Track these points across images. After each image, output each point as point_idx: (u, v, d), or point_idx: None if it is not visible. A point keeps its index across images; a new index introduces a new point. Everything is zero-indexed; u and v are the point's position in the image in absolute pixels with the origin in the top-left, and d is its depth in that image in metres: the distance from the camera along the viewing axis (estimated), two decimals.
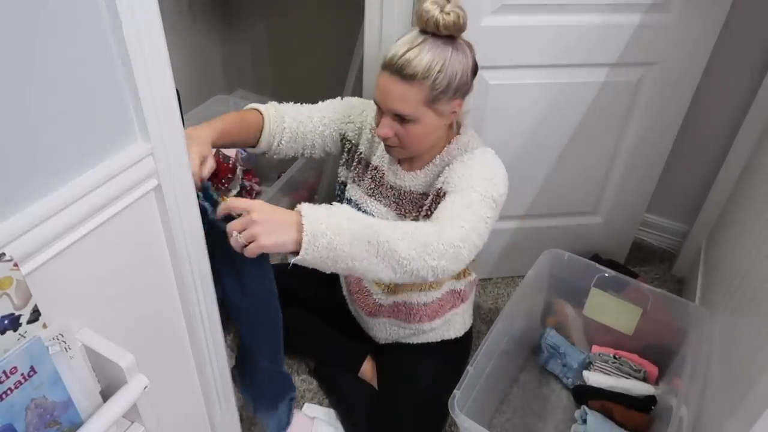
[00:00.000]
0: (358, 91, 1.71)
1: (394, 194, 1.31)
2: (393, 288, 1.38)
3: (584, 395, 1.52)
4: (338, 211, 0.94)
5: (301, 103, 1.39)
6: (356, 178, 1.37)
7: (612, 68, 1.53)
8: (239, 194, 1.98)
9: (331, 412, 1.52)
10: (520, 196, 1.77)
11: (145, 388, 0.75)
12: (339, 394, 1.54)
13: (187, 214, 0.89)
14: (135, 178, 0.77)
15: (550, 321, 1.71)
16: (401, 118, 1.13)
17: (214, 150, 1.20)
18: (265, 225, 0.90)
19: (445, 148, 1.23)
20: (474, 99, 1.52)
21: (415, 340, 1.45)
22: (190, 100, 2.11)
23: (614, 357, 1.58)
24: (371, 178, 1.34)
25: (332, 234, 0.90)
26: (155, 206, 0.84)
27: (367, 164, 1.35)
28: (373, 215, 1.32)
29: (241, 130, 1.27)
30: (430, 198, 1.23)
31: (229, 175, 1.93)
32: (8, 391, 0.61)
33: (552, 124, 1.61)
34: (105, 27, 0.68)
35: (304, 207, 0.93)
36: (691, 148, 1.85)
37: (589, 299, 1.59)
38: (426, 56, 1.07)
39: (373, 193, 1.34)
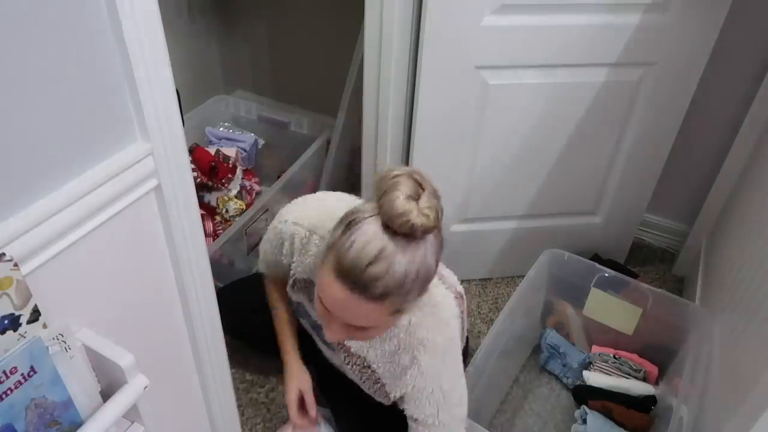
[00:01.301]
0: (358, 91, 1.71)
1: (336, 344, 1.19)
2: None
3: (584, 395, 1.52)
4: None
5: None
6: (293, 293, 1.22)
7: (612, 68, 1.53)
8: (239, 194, 1.98)
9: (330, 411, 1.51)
10: (520, 196, 1.77)
11: (145, 388, 0.75)
12: (340, 396, 1.53)
13: (187, 214, 0.89)
14: (135, 178, 0.77)
15: (550, 321, 1.71)
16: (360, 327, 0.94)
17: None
18: None
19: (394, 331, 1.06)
20: (474, 99, 1.53)
21: None
22: (190, 100, 2.11)
23: (614, 357, 1.58)
24: (312, 326, 1.24)
25: None
26: (155, 206, 0.84)
27: (309, 285, 1.15)
28: (316, 347, 1.30)
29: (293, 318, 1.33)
30: (378, 385, 1.13)
31: (229, 175, 1.93)
32: (8, 391, 0.61)
33: (552, 124, 1.61)
34: (105, 27, 0.68)
35: None
36: (691, 148, 1.85)
37: (589, 299, 1.59)
38: (398, 269, 0.82)
39: (315, 326, 1.23)
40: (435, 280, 0.97)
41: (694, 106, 1.63)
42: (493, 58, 1.46)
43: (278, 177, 1.94)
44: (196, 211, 0.91)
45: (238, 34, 2.27)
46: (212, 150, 1.95)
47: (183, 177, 0.86)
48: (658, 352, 1.56)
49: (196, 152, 1.88)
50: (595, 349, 1.63)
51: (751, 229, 1.39)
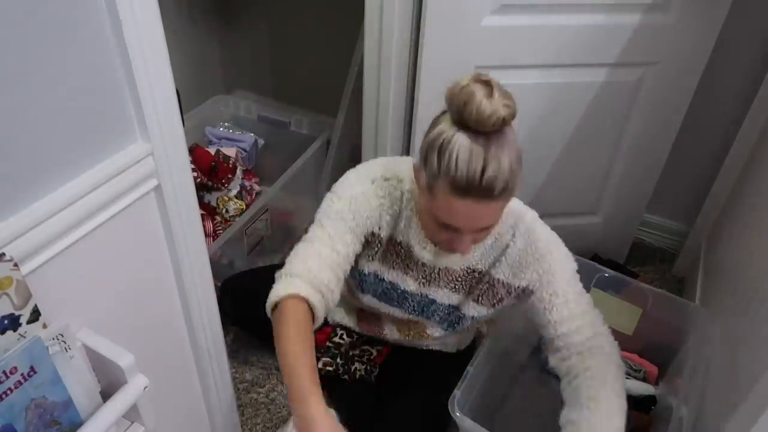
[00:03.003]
0: (358, 91, 1.71)
1: (426, 270, 1.17)
2: (412, 335, 1.34)
3: None
4: None
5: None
6: (374, 256, 1.17)
7: (612, 68, 1.53)
8: (239, 194, 1.98)
9: (332, 411, 1.51)
10: (520, 196, 1.76)
11: (145, 388, 0.75)
12: (340, 393, 1.54)
13: (187, 214, 0.89)
14: (135, 178, 0.77)
15: None
16: (485, 227, 0.99)
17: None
18: None
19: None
20: None
21: (435, 345, 1.43)
22: (190, 100, 2.11)
23: None
24: (395, 253, 1.16)
25: None
26: (155, 206, 0.84)
27: (391, 241, 1.16)
28: (398, 286, 1.20)
29: (312, 344, 0.95)
30: (476, 281, 1.16)
31: (229, 175, 1.93)
32: (8, 391, 0.61)
33: (552, 124, 1.61)
34: (105, 27, 0.68)
35: None
36: (691, 147, 1.84)
37: None
38: (505, 162, 0.90)
39: (397, 266, 1.18)
40: None
41: (694, 106, 1.63)
42: (493, 58, 1.46)
43: (278, 177, 1.93)
44: (196, 211, 0.91)
45: (238, 34, 2.27)
46: (212, 150, 1.95)
47: (183, 177, 0.86)
48: (658, 352, 1.55)
49: (196, 152, 1.88)
50: None
51: (751, 229, 1.39)
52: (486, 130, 0.89)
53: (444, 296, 1.19)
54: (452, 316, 1.23)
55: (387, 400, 1.42)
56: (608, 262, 1.82)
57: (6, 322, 0.61)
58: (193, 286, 0.96)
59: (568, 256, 1.16)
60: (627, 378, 1.54)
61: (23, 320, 0.62)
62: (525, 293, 1.14)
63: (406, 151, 1.67)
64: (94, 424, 0.69)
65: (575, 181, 1.76)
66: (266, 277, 1.67)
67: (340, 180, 1.13)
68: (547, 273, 1.11)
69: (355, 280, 1.22)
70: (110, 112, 0.73)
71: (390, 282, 1.19)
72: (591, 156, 1.71)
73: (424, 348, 1.40)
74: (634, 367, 1.56)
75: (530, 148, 1.65)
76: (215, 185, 1.91)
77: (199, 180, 1.87)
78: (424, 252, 1.13)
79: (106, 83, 0.71)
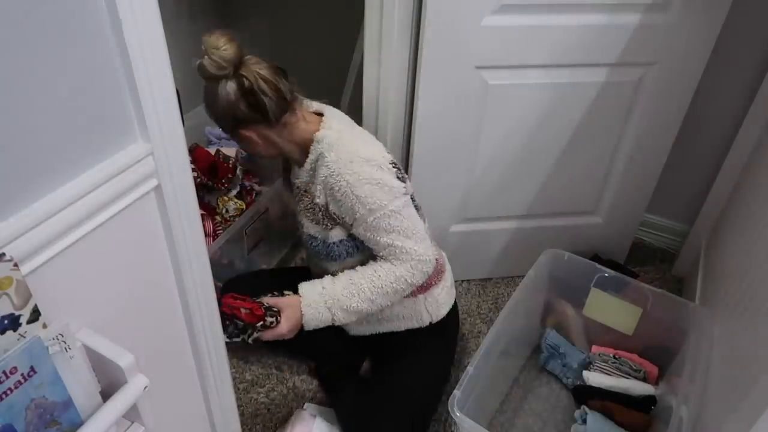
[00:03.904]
0: (358, 91, 1.71)
1: (295, 193, 1.38)
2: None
3: (584, 395, 1.52)
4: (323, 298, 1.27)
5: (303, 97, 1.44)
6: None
7: (612, 68, 1.53)
8: (239, 194, 1.98)
9: (332, 411, 1.52)
10: (520, 196, 1.77)
11: (145, 388, 0.75)
12: (340, 393, 1.54)
13: (187, 214, 0.89)
14: (135, 178, 0.77)
15: (550, 321, 1.71)
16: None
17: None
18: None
19: (311, 147, 1.28)
20: (474, 99, 1.53)
21: (388, 327, 1.43)
22: (190, 100, 2.10)
23: (614, 357, 1.58)
24: (287, 180, 1.44)
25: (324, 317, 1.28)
26: (155, 206, 0.84)
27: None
28: (297, 217, 1.41)
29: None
30: (319, 208, 1.31)
31: (229, 175, 1.93)
32: (8, 391, 0.61)
33: (552, 124, 1.61)
34: (105, 27, 0.68)
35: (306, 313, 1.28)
36: (691, 148, 1.85)
37: (589, 299, 1.59)
38: (211, 105, 1.29)
39: (293, 194, 1.42)
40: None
41: (694, 106, 1.63)
42: (493, 58, 1.46)
43: (278, 177, 1.94)
44: (196, 211, 0.91)
45: (239, 34, 2.26)
46: (212, 150, 1.95)
47: (183, 177, 0.86)
48: (658, 352, 1.56)
49: (196, 152, 1.88)
50: (595, 349, 1.63)
51: (751, 229, 1.39)
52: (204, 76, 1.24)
53: (307, 227, 1.36)
54: (312, 246, 1.38)
55: (374, 381, 1.44)
56: (608, 262, 1.83)
57: (6, 322, 0.61)
58: (193, 286, 0.96)
59: (374, 192, 1.23)
60: (627, 378, 1.54)
61: (23, 320, 0.62)
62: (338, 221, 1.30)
63: (406, 150, 1.67)
64: (94, 424, 0.69)
65: (575, 181, 1.76)
66: (267, 279, 1.70)
67: None
68: (357, 215, 1.23)
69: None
70: (110, 112, 0.73)
71: (300, 221, 1.39)
72: (591, 156, 1.71)
73: (396, 331, 1.44)
74: (634, 367, 1.56)
75: (530, 148, 1.66)
76: (215, 185, 1.91)
77: (199, 180, 1.87)
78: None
79: (106, 83, 0.71)
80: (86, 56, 0.67)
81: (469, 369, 1.24)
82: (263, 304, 1.25)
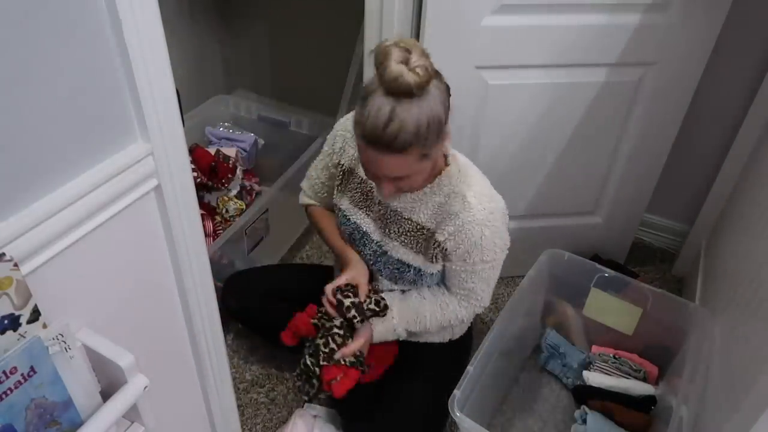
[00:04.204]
0: (357, 91, 1.71)
1: (381, 210, 1.27)
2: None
3: (584, 395, 1.52)
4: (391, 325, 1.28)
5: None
6: (341, 188, 1.33)
7: (612, 68, 1.53)
8: (239, 194, 1.98)
9: (332, 411, 1.52)
10: (520, 196, 1.77)
11: (145, 388, 0.75)
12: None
13: (187, 214, 0.89)
14: (135, 178, 0.77)
15: (550, 321, 1.71)
16: (398, 177, 1.10)
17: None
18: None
19: (437, 180, 1.19)
20: (474, 99, 1.53)
21: (413, 340, 1.44)
22: (190, 100, 2.11)
23: (614, 357, 1.58)
24: (359, 190, 1.30)
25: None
26: (155, 206, 0.84)
27: (351, 173, 1.30)
28: (360, 227, 1.30)
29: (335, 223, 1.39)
30: (425, 239, 1.24)
31: (229, 175, 1.93)
32: (8, 391, 0.61)
33: (552, 124, 1.61)
34: (105, 27, 0.68)
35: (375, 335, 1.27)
36: (691, 148, 1.84)
37: (589, 299, 1.59)
38: (410, 124, 0.97)
39: (360, 204, 1.31)
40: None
41: (694, 106, 1.63)
42: (493, 58, 1.46)
43: (278, 177, 1.93)
44: (196, 211, 0.91)
45: (238, 34, 2.27)
46: (212, 150, 1.95)
47: (183, 177, 0.86)
48: (658, 352, 1.55)
49: (196, 152, 1.88)
50: (595, 349, 1.63)
51: (751, 229, 1.39)
52: (395, 92, 0.96)
53: (396, 250, 1.26)
54: (399, 271, 1.29)
55: (386, 391, 1.43)
56: (608, 262, 1.82)
57: (6, 322, 0.61)
58: (193, 286, 0.96)
59: (497, 245, 1.21)
60: (627, 378, 1.54)
61: (23, 320, 0.62)
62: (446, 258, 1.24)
63: None
64: (94, 424, 0.69)
65: (575, 181, 1.76)
66: (270, 275, 1.69)
67: None
68: (469, 258, 1.20)
69: (338, 219, 1.36)
70: (110, 112, 0.73)
71: (354, 223, 1.31)
72: (591, 156, 1.71)
73: (420, 342, 1.42)
74: (634, 367, 1.56)
75: (530, 148, 1.65)
76: (215, 185, 1.91)
77: (199, 180, 1.87)
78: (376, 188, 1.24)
79: (106, 83, 0.71)
80: (86, 56, 0.67)
81: (469, 369, 1.24)
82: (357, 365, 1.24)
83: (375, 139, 0.99)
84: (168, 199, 0.84)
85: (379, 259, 1.29)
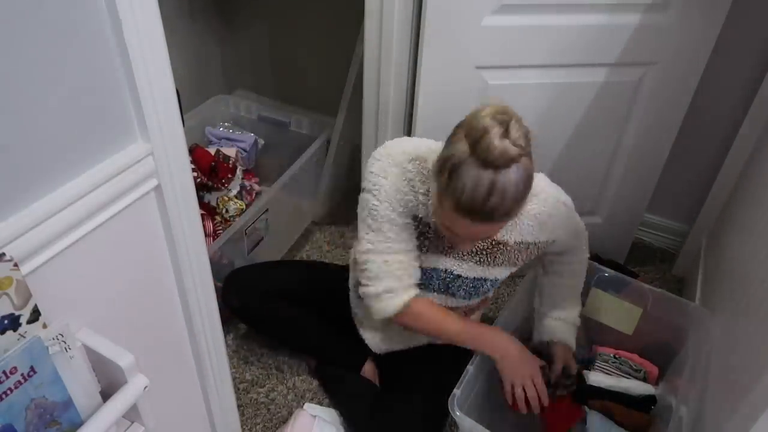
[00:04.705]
0: (357, 91, 1.71)
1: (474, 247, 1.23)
2: None
3: (584, 395, 1.51)
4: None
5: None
6: (426, 243, 1.22)
7: (612, 68, 1.53)
8: (239, 194, 1.98)
9: (332, 411, 1.52)
10: None
11: (145, 388, 0.75)
12: (341, 393, 1.54)
13: (187, 214, 0.89)
14: (135, 178, 0.77)
15: None
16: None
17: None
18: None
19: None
20: (474, 99, 1.53)
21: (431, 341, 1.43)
22: (190, 100, 2.11)
23: (614, 357, 1.58)
24: (442, 236, 1.19)
25: None
26: (155, 206, 0.84)
27: (427, 223, 1.20)
28: (452, 271, 1.24)
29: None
30: (528, 251, 1.26)
31: (229, 175, 1.93)
32: (8, 391, 0.61)
33: (552, 124, 1.61)
34: (105, 27, 0.68)
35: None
36: (691, 148, 1.84)
37: (589, 299, 1.59)
38: (510, 192, 0.94)
39: (445, 251, 1.22)
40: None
41: (694, 106, 1.63)
42: (493, 58, 1.46)
43: (278, 177, 1.94)
44: (196, 211, 0.91)
45: (238, 34, 2.27)
46: (212, 150, 1.95)
47: (183, 177, 0.86)
48: (658, 352, 1.55)
49: (196, 152, 1.88)
50: (595, 349, 1.63)
51: (751, 229, 1.39)
52: (495, 165, 0.92)
53: (495, 273, 1.27)
54: (475, 287, 1.28)
55: (386, 390, 1.43)
56: (608, 262, 1.82)
57: (6, 322, 0.61)
58: (193, 286, 0.96)
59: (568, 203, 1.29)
60: (627, 378, 1.53)
61: (23, 320, 0.62)
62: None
63: None
64: (94, 424, 0.69)
65: (575, 181, 1.75)
66: (271, 271, 1.69)
67: (367, 176, 1.16)
68: (569, 244, 1.31)
69: (422, 280, 1.25)
70: (110, 112, 0.73)
71: (445, 270, 1.24)
72: (591, 156, 1.71)
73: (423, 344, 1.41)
74: (634, 367, 1.56)
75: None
76: (215, 185, 1.91)
77: (199, 180, 1.87)
78: None
79: (106, 83, 0.71)
80: (86, 56, 0.67)
81: (469, 369, 1.24)
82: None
83: (474, 211, 0.95)
84: (168, 199, 0.84)
85: (449, 285, 1.26)
